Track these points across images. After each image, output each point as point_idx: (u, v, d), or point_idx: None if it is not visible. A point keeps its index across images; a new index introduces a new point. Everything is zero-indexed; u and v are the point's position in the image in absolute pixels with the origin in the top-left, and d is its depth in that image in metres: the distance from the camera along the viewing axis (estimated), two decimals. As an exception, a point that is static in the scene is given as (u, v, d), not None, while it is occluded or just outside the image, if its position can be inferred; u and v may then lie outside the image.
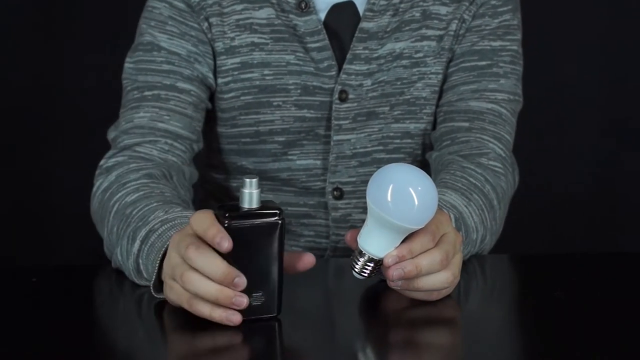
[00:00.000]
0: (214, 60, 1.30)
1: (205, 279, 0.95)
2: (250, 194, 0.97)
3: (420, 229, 0.99)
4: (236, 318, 0.96)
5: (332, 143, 1.31)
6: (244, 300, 0.95)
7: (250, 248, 0.96)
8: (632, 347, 0.93)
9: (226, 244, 0.95)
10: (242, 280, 0.95)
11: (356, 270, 1.01)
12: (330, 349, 0.96)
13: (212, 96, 1.32)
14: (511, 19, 1.33)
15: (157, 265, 1.03)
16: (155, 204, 1.11)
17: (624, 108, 2.21)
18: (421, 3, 1.31)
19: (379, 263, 1.00)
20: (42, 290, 1.13)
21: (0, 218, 2.18)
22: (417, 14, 1.31)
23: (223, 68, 1.30)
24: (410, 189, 0.96)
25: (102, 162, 1.25)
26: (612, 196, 2.24)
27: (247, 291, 0.95)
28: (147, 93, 1.27)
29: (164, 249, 1.03)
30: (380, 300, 1.04)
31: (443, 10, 1.31)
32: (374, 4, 1.29)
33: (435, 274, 1.00)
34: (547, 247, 2.22)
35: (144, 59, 1.29)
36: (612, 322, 0.99)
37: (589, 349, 0.92)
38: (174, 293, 0.99)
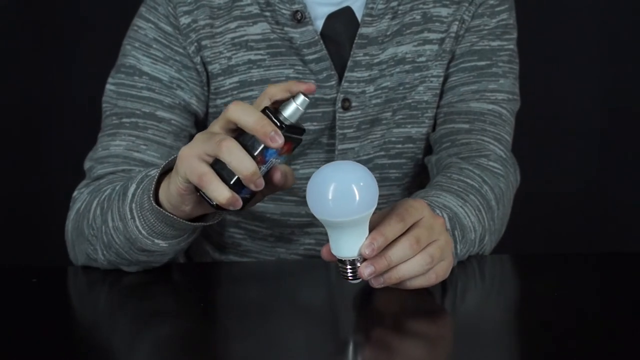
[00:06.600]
0: (207, 85, 1.29)
1: (245, 153, 0.96)
2: (297, 110, 0.99)
3: (386, 213, 1.00)
4: (239, 204, 0.98)
5: (336, 152, 1.30)
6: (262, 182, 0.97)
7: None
8: (632, 347, 0.93)
9: (280, 140, 0.96)
10: (262, 182, 0.97)
11: (349, 277, 1.01)
12: (330, 349, 0.96)
13: (200, 121, 1.31)
14: (508, 18, 1.33)
15: (155, 178, 1.04)
16: (135, 175, 1.11)
17: (622, 108, 2.22)
18: (421, 5, 1.30)
19: (362, 260, 1.00)
20: (42, 290, 1.13)
21: (0, 219, 2.19)
22: (418, 17, 1.30)
23: (222, 89, 1.29)
24: (336, 185, 0.97)
25: (74, 193, 1.24)
26: (612, 196, 2.24)
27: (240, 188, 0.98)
28: (125, 120, 1.26)
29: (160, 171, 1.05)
30: (379, 299, 1.04)
31: (444, 12, 1.30)
32: (372, 8, 1.28)
33: (411, 259, 1.01)
34: (547, 247, 2.22)
35: (125, 82, 1.28)
36: (611, 322, 0.99)
37: (589, 349, 0.92)
38: (188, 167, 0.98)
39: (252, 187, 0.97)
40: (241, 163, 0.96)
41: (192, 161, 0.98)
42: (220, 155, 0.96)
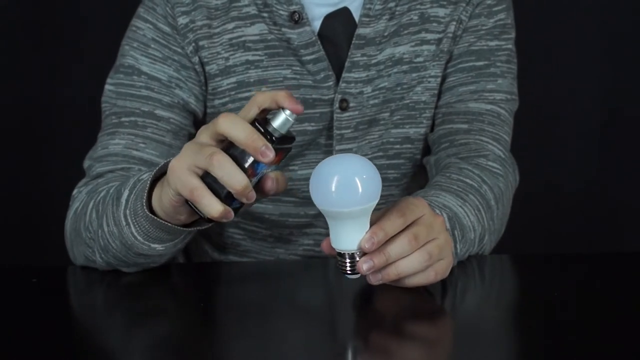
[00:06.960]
0: (206, 85, 1.29)
1: (237, 167, 0.95)
2: (287, 120, 0.97)
3: (387, 208, 1.00)
4: (231, 215, 0.98)
5: (334, 153, 1.30)
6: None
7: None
8: (632, 347, 0.93)
9: (271, 154, 0.95)
10: (253, 195, 0.97)
11: (348, 272, 1.01)
12: (329, 349, 0.96)
13: (199, 121, 1.31)
14: (506, 17, 1.33)
15: (148, 184, 1.03)
16: (127, 179, 1.11)
17: (623, 108, 2.21)
18: (418, 6, 1.30)
19: (361, 255, 1.00)
20: (42, 290, 1.13)
21: (0, 219, 2.19)
22: (415, 17, 1.30)
23: (219, 89, 1.29)
24: (339, 175, 0.97)
25: (74, 191, 1.24)
26: (612, 196, 2.24)
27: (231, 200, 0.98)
28: (124, 119, 1.26)
29: (153, 176, 1.04)
30: (379, 299, 1.04)
31: (441, 12, 1.30)
32: (369, 9, 1.28)
33: (409, 256, 1.01)
34: (547, 247, 2.22)
35: (124, 82, 1.28)
36: (612, 322, 0.99)
37: (589, 348, 0.92)
38: (179, 181, 0.97)
39: (244, 201, 0.97)
40: (233, 178, 0.95)
41: (182, 174, 0.97)
42: (212, 170, 0.96)
